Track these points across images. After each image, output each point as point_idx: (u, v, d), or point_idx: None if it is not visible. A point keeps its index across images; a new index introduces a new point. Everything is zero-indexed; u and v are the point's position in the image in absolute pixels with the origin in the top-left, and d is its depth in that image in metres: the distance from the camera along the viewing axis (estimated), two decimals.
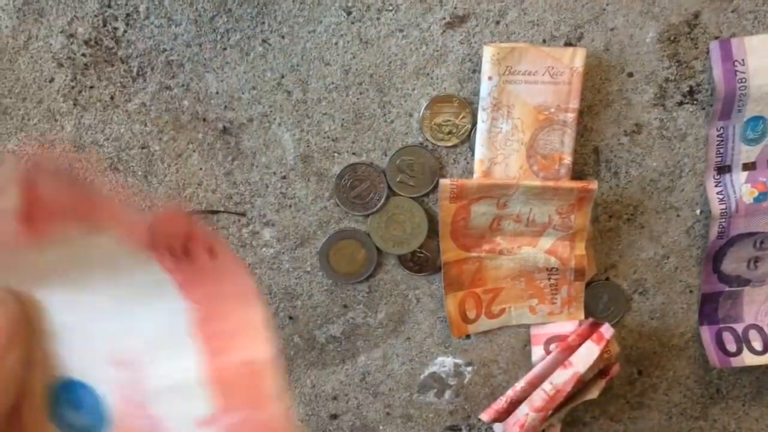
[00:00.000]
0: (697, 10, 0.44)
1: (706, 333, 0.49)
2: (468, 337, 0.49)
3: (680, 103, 0.45)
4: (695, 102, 0.45)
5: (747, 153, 0.45)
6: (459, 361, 0.49)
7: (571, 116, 0.43)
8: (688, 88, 0.45)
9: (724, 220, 0.46)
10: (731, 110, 0.44)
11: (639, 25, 0.44)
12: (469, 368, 0.50)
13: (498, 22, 0.43)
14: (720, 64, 0.43)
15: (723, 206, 0.46)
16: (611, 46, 0.44)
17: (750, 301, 0.48)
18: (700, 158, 0.46)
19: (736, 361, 0.48)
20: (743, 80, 0.43)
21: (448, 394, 0.50)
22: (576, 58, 0.42)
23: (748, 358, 0.48)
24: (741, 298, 0.48)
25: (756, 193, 0.45)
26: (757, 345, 0.48)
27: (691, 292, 0.49)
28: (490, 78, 0.42)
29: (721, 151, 0.45)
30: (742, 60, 0.43)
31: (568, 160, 0.44)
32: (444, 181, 0.43)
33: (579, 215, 0.44)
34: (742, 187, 0.45)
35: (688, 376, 0.50)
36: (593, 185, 0.43)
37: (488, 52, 0.42)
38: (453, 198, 0.44)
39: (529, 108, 0.43)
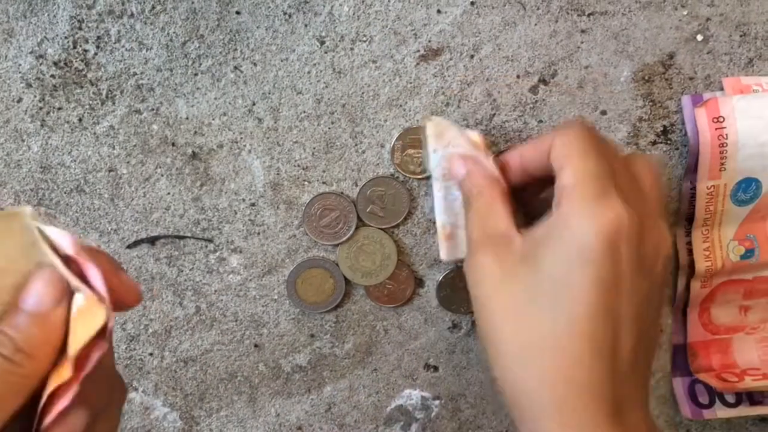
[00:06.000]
0: (672, 50, 0.44)
1: (679, 385, 0.48)
2: (436, 369, 0.48)
3: (654, 143, 0.45)
4: (669, 142, 0.45)
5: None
6: (426, 394, 0.49)
7: None
8: (661, 128, 0.45)
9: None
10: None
11: (613, 63, 0.44)
12: (437, 402, 0.49)
13: (472, 57, 0.43)
14: (692, 119, 0.43)
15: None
16: (585, 84, 0.44)
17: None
18: (672, 198, 0.46)
19: (708, 414, 0.48)
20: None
21: (414, 427, 0.49)
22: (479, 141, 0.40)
23: (720, 411, 0.48)
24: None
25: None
26: (730, 397, 0.48)
27: (661, 331, 0.48)
28: (434, 150, 0.40)
29: (694, 203, 0.44)
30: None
31: None
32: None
33: None
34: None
35: (657, 416, 0.50)
36: None
37: (428, 128, 0.40)
38: None
39: None
